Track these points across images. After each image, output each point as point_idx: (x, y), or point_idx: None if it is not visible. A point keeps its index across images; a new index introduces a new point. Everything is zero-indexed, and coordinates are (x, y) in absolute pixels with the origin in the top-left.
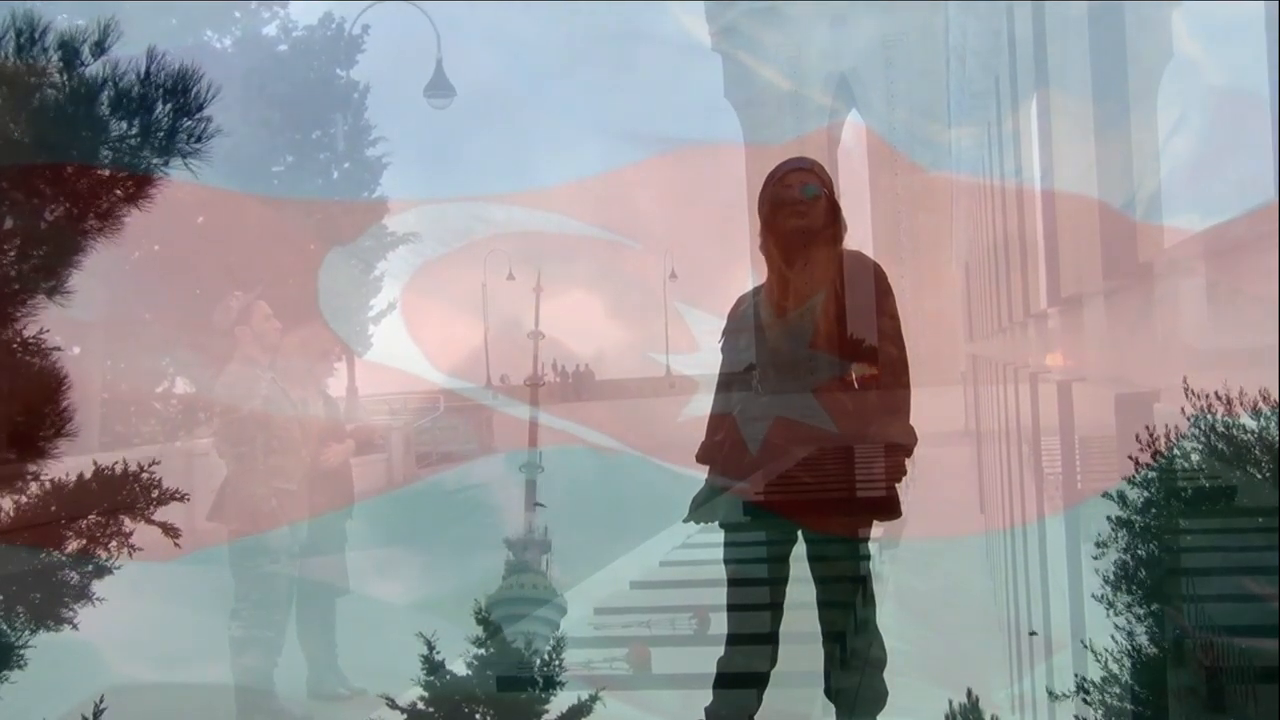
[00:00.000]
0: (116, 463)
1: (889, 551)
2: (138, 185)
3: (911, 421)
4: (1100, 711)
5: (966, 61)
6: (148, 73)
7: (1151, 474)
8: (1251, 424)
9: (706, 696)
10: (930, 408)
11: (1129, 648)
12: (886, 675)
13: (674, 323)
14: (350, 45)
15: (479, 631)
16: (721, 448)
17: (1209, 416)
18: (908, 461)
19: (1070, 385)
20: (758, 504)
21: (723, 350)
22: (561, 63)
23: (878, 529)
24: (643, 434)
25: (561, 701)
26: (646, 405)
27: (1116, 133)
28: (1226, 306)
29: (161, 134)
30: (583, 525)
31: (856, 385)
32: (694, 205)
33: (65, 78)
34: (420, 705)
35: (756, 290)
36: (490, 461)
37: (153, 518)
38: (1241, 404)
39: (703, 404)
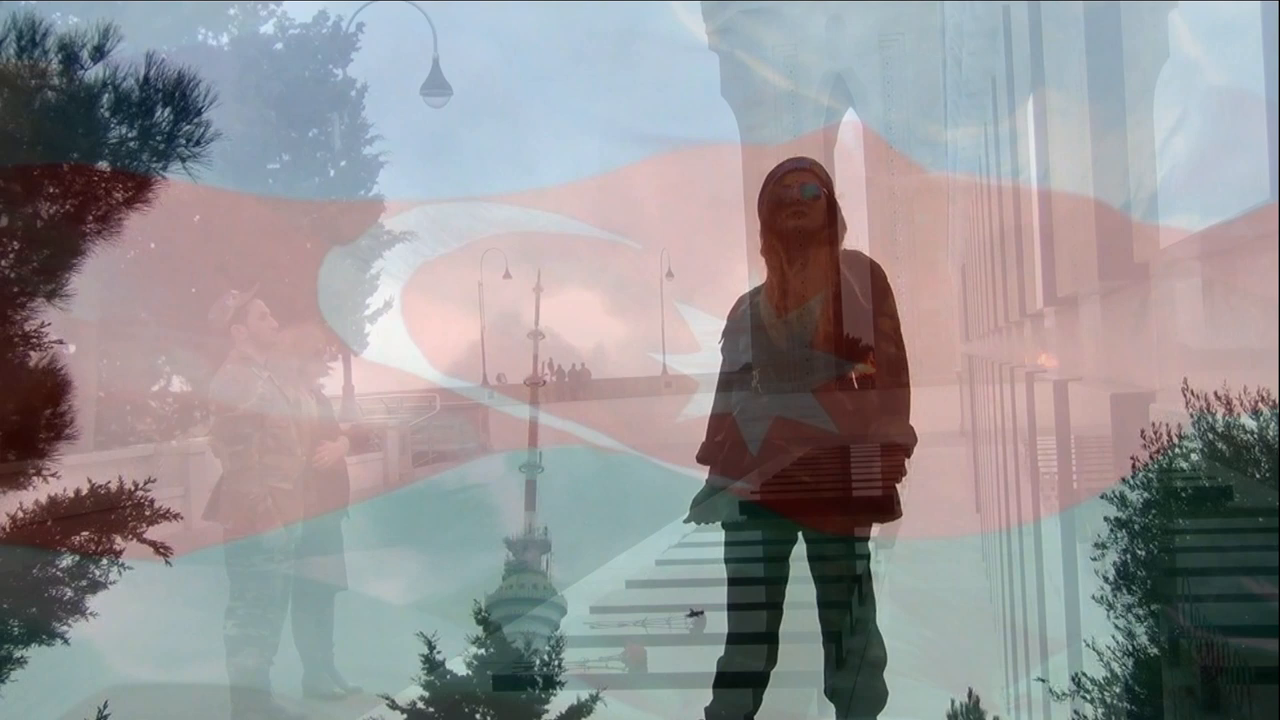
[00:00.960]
0: (111, 480)
1: (884, 551)
2: (137, 187)
3: (910, 421)
4: (1100, 711)
5: (963, 61)
6: (147, 77)
7: (1147, 474)
8: (1247, 424)
9: (704, 696)
10: (925, 408)
11: (1129, 647)
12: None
13: (671, 322)
14: (346, 43)
15: (477, 631)
16: (722, 448)
17: (1206, 417)
18: (907, 461)
19: (1066, 385)
20: (758, 504)
21: (723, 350)
22: (559, 62)
23: (874, 529)
24: (638, 432)
25: (560, 701)
26: (642, 404)
27: (1113, 133)
28: (1222, 307)
29: (161, 138)
30: (579, 524)
31: (856, 385)
32: (691, 205)
33: (65, 80)
34: (420, 705)
35: (756, 290)
36: (486, 461)
37: (144, 537)
38: (1241, 404)
39: (699, 403)
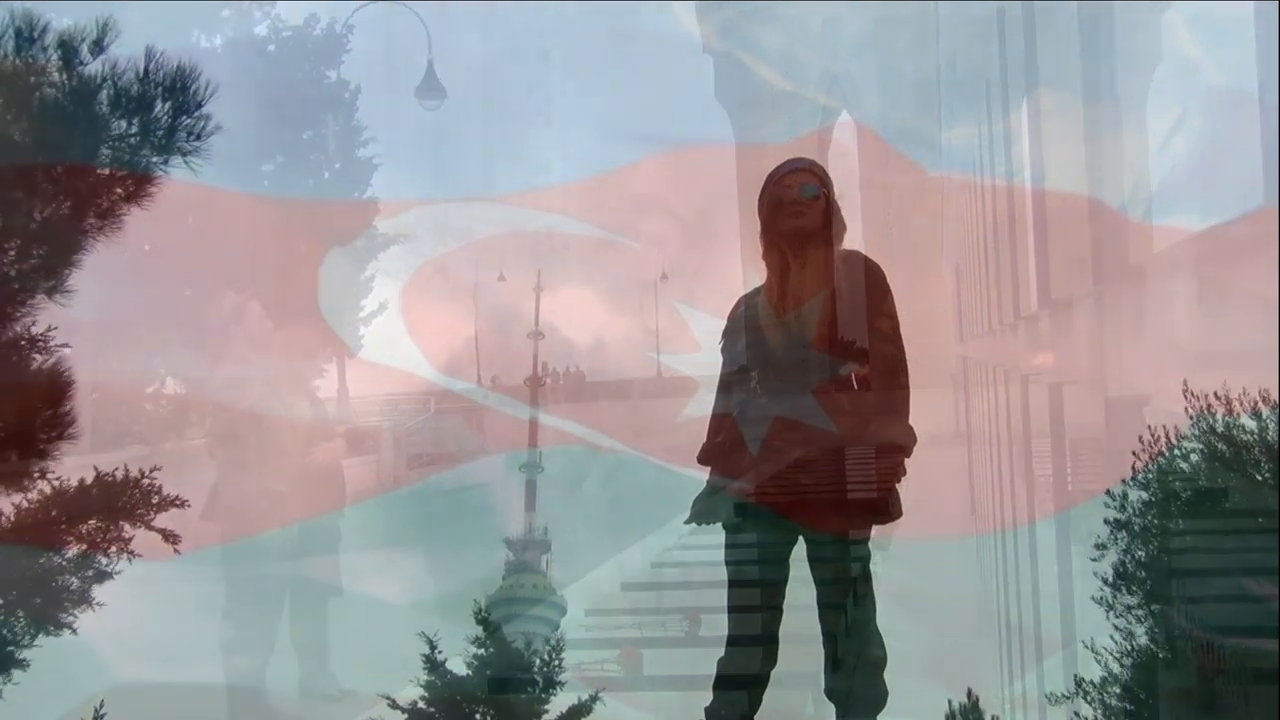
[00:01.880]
0: (117, 468)
1: (880, 552)
2: (137, 184)
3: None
4: (1099, 711)
5: (957, 63)
6: (146, 71)
7: (1145, 475)
8: (1246, 425)
9: (701, 697)
10: (920, 409)
11: (1126, 648)
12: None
13: (667, 322)
14: (340, 45)
15: (476, 631)
16: (722, 449)
17: (1204, 418)
18: (906, 462)
19: (1061, 388)
20: (758, 505)
21: (722, 351)
22: (554, 63)
23: (874, 529)
24: (635, 431)
25: (560, 702)
26: (638, 405)
27: (1107, 134)
28: (1216, 309)
29: (161, 132)
30: (576, 523)
31: (856, 386)
32: (686, 205)
33: (65, 76)
34: (420, 704)
35: (756, 291)
36: (484, 462)
37: (152, 524)
38: (1240, 406)
39: (697, 403)
